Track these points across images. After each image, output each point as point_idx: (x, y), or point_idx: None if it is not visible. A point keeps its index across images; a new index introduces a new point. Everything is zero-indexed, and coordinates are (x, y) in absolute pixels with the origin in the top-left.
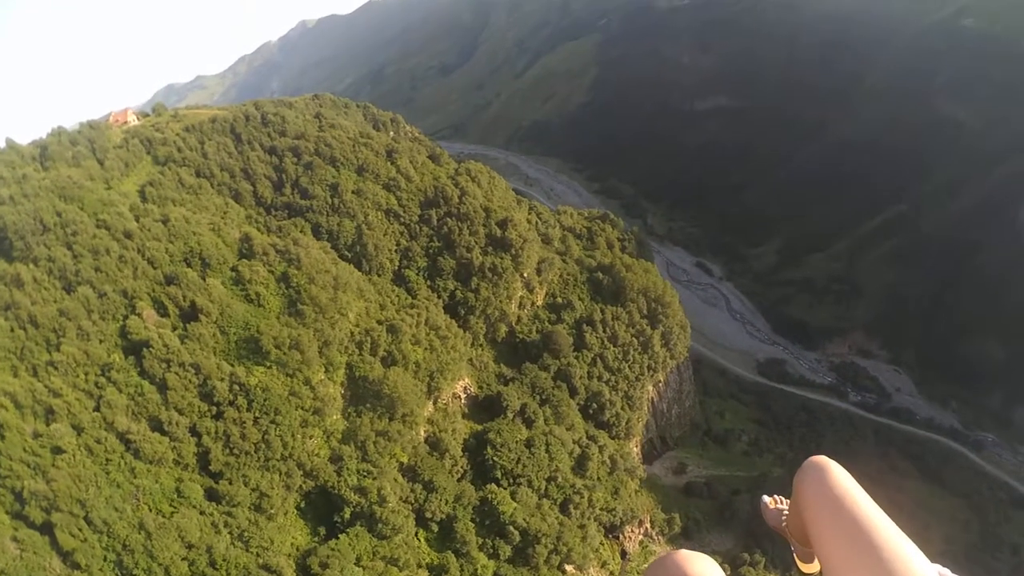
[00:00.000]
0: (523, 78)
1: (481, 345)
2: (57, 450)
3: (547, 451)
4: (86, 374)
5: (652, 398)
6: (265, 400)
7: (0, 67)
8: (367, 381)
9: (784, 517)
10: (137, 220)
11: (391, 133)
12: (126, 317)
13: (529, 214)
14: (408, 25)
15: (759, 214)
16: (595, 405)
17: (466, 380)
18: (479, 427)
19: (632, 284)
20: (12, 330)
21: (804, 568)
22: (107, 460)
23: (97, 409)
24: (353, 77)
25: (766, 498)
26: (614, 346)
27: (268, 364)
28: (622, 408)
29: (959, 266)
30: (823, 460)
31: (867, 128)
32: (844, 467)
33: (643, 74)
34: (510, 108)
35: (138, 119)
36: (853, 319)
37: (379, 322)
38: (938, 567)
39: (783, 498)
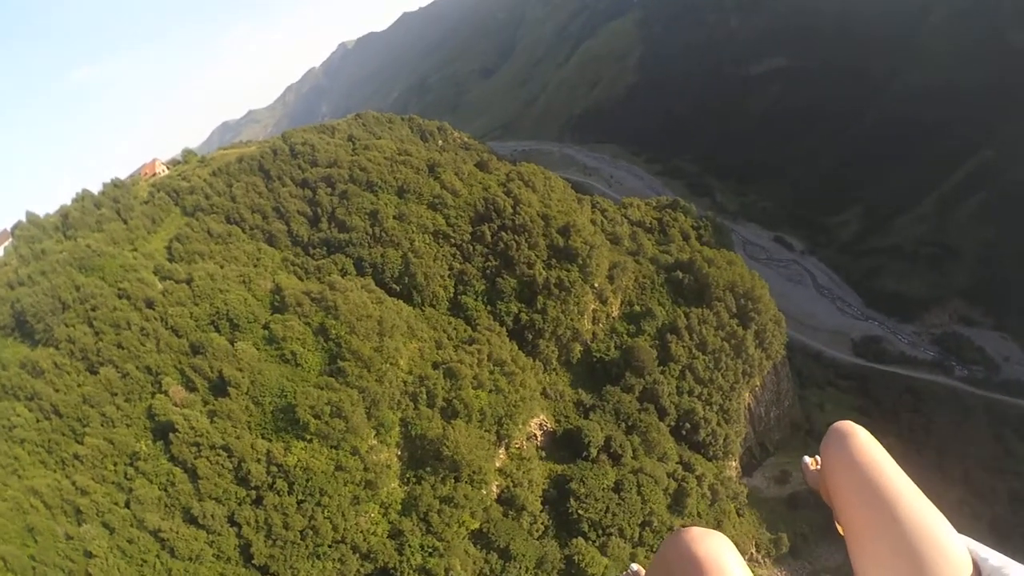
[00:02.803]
0: (567, 67)
1: (555, 370)
2: (89, 554)
3: (639, 492)
4: (114, 465)
5: (749, 404)
6: (307, 481)
7: (60, 127)
8: (425, 440)
9: None
10: (163, 281)
11: (440, 142)
12: (153, 395)
13: (593, 213)
14: (445, 32)
15: (835, 179)
16: (688, 425)
17: (541, 416)
18: (560, 468)
19: (717, 280)
20: (37, 421)
21: (842, 531)
22: (142, 562)
23: (127, 505)
24: (399, 90)
25: (807, 459)
26: (704, 354)
27: (308, 437)
28: (718, 424)
29: None
30: (848, 425)
31: (938, 71)
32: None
33: (691, 44)
34: (558, 99)
35: (167, 169)
36: (950, 285)
37: (435, 365)
38: (967, 539)
39: None
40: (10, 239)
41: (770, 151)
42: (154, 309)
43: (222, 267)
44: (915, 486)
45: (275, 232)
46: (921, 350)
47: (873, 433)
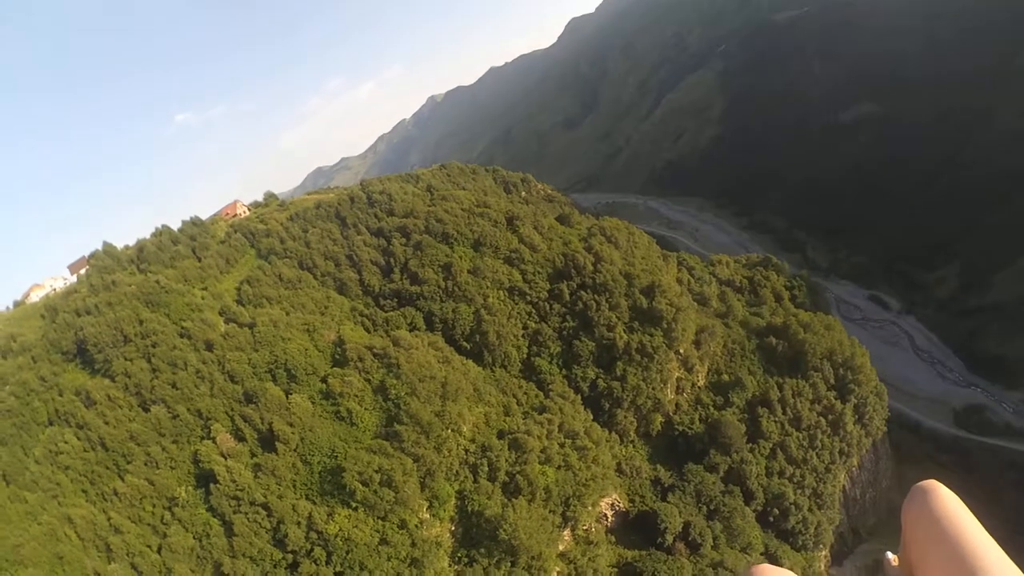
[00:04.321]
0: (649, 119)
1: (632, 443)
2: None
3: None
4: (152, 507)
5: (844, 486)
6: (348, 552)
7: (162, 165)
8: (482, 518)
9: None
10: (227, 323)
11: (523, 194)
12: (201, 439)
13: (679, 271)
14: (530, 86)
15: (931, 231)
16: (777, 511)
17: (614, 496)
18: (630, 555)
19: (814, 348)
20: (84, 451)
21: None
22: None
23: (159, 550)
24: (485, 142)
25: (890, 554)
26: (797, 431)
27: (354, 505)
28: (810, 510)
29: None
30: (931, 483)
31: None
32: None
33: (774, 94)
34: (641, 152)
35: (248, 210)
36: None
37: (501, 434)
38: None
39: None
40: (87, 267)
41: (862, 202)
42: (213, 352)
43: (288, 314)
44: (994, 542)
45: (346, 280)
46: None
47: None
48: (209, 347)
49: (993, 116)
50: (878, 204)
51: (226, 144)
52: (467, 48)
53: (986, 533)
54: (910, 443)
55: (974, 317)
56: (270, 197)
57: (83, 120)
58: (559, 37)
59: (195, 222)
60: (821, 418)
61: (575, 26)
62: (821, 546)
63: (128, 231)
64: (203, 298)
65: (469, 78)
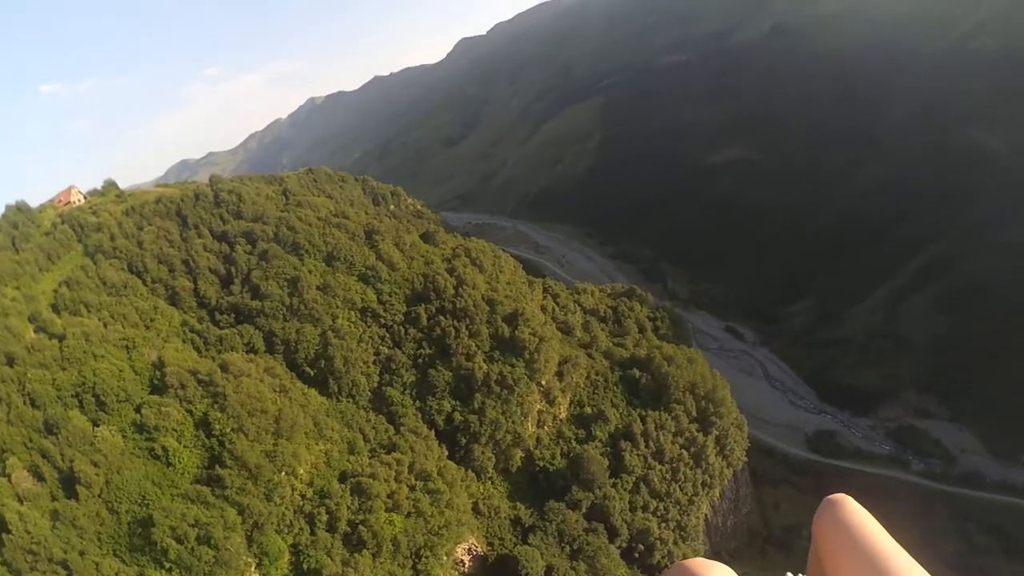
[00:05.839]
0: (529, 144)
1: (490, 479)
2: None
3: None
4: None
5: (706, 515)
6: None
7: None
8: None
9: None
10: (37, 333)
11: (392, 207)
12: None
13: (544, 298)
14: (413, 100)
15: (788, 270)
16: (641, 546)
17: (471, 540)
18: None
19: (677, 381)
20: None
21: None
22: None
23: None
24: (361, 152)
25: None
26: (660, 464)
27: (167, 565)
28: (675, 543)
29: (1014, 305)
30: (840, 496)
31: (896, 165)
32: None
33: (651, 132)
34: (517, 175)
35: (84, 198)
36: (903, 376)
37: (343, 477)
38: None
39: None
40: None
41: (724, 240)
42: (13, 367)
43: (106, 325)
44: (903, 550)
45: (179, 289)
46: (876, 444)
47: None
48: (10, 361)
49: (857, 168)
50: (739, 243)
51: (94, 123)
52: (353, 53)
53: (895, 541)
54: (766, 466)
55: (825, 349)
56: (109, 185)
57: None
58: (448, 55)
59: (20, 208)
60: (684, 451)
61: (465, 46)
62: None
63: None
64: (13, 299)
65: (352, 84)
